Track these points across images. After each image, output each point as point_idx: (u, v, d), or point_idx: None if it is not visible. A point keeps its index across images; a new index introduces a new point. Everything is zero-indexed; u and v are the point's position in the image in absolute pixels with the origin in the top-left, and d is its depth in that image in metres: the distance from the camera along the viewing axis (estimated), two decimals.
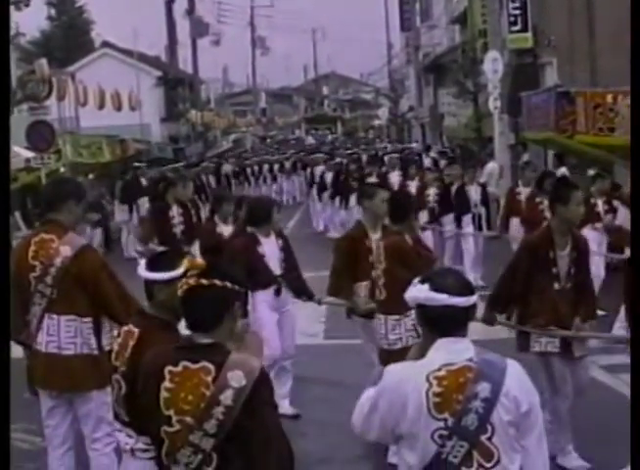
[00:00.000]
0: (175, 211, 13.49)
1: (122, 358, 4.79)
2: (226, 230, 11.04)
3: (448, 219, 16.88)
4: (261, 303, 9.26)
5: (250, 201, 10.34)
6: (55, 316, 6.48)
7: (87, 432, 6.60)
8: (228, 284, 3.98)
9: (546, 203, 13.02)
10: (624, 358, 9.35)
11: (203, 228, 12.19)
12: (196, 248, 12.12)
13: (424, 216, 16.48)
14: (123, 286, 6.54)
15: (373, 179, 20.39)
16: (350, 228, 9.96)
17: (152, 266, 4.84)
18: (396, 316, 7.75)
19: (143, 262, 4.89)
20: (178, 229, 13.40)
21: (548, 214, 11.91)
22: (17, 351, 6.50)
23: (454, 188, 16.81)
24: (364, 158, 30.18)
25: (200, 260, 4.08)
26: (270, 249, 9.34)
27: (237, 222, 10.64)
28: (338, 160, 27.70)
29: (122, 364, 4.77)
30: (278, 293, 9.38)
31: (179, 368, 3.89)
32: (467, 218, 16.49)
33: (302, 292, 9.62)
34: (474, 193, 16.58)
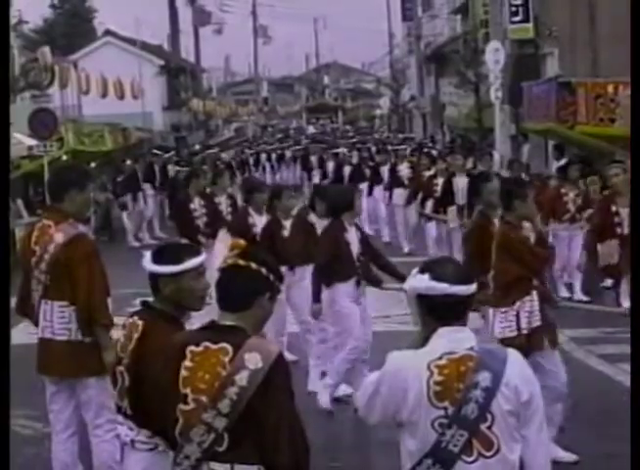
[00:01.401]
0: (197, 204, 13.29)
1: (125, 351, 4.77)
2: (259, 221, 10.76)
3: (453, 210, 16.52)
4: (343, 295, 9.01)
5: (331, 189, 10.20)
6: (49, 302, 6.54)
7: (89, 418, 6.62)
8: (263, 270, 4.05)
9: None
10: (623, 348, 9.46)
11: (234, 218, 11.96)
12: (221, 239, 12.00)
13: (429, 206, 16.55)
14: (103, 283, 6.52)
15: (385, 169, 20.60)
16: (475, 217, 9.68)
17: (157, 259, 4.77)
18: (503, 309, 7.48)
19: (148, 254, 4.84)
20: (201, 221, 13.19)
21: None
22: (17, 337, 6.57)
23: (456, 179, 16.51)
24: (373, 149, 30.00)
25: (242, 241, 4.15)
26: (352, 238, 9.16)
27: (271, 212, 10.44)
28: (341, 149, 27.63)
29: (126, 356, 4.75)
30: (358, 284, 9.17)
31: (200, 348, 3.95)
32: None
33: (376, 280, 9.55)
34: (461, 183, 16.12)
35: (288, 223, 10.29)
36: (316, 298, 9.21)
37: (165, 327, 4.60)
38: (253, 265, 4.03)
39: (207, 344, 3.95)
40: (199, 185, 13.54)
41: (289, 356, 10.12)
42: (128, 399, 4.73)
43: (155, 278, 4.79)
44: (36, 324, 6.70)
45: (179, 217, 13.72)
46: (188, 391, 3.93)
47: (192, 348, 3.96)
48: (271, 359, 3.90)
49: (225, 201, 13.74)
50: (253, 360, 3.88)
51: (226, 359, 3.90)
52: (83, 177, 6.84)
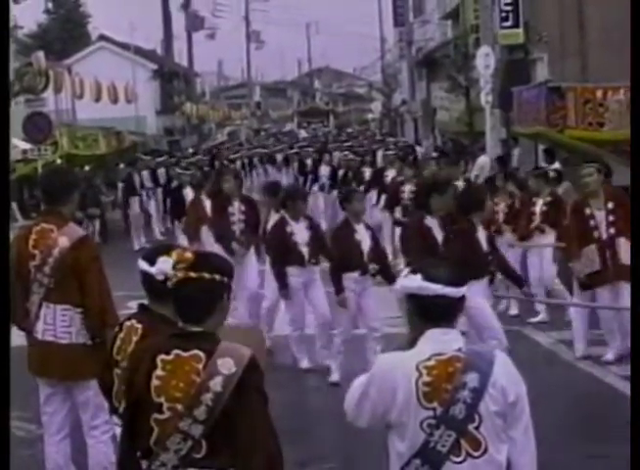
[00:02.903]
0: (237, 207, 12.34)
1: (124, 353, 4.78)
2: (297, 228, 10.66)
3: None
4: (476, 293, 8.70)
5: (464, 188, 10.18)
6: (51, 305, 6.53)
7: (86, 419, 6.65)
8: (217, 276, 4.00)
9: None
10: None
11: (272, 226, 11.22)
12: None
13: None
14: (108, 284, 6.59)
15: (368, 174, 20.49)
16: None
17: (151, 260, 4.79)
18: None
19: (141, 258, 4.86)
20: (238, 227, 12.25)
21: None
22: (14, 339, 6.53)
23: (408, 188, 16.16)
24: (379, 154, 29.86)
25: (188, 254, 4.05)
26: (482, 237, 9.21)
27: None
28: (335, 153, 27.61)
29: (124, 359, 4.74)
30: (492, 282, 9.36)
31: (171, 356, 3.92)
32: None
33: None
34: None
35: (360, 227, 10.16)
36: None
37: (164, 330, 4.50)
38: (206, 275, 3.98)
39: (178, 351, 3.93)
40: (231, 187, 12.48)
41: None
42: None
43: (149, 280, 4.82)
44: (23, 328, 6.68)
45: (216, 221, 12.79)
46: (162, 400, 3.90)
47: (162, 356, 3.94)
48: (244, 363, 3.90)
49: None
50: (227, 365, 3.88)
51: (199, 366, 3.89)
52: (78, 180, 7.00)
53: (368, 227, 10.33)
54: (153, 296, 4.86)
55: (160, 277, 4.62)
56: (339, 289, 9.83)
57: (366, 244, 9.89)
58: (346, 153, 25.08)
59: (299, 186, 13.23)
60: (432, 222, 9.44)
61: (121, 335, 4.89)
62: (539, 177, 13.34)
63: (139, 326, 4.79)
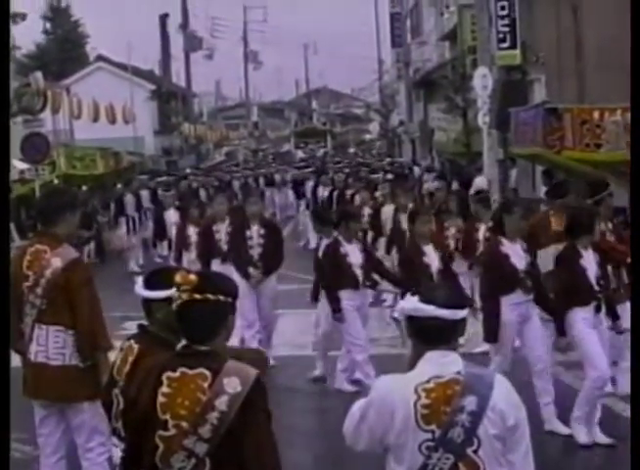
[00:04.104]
0: (255, 231, 11.78)
1: (121, 374, 4.80)
2: (351, 249, 10.52)
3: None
4: (581, 320, 8.41)
5: (572, 210, 9.52)
6: (44, 327, 6.52)
7: (81, 442, 6.63)
8: (221, 297, 4.02)
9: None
10: (612, 371, 9.46)
11: (326, 247, 10.90)
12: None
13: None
14: (100, 307, 6.57)
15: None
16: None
17: (148, 284, 4.80)
18: None
19: (140, 280, 4.87)
20: (256, 251, 11.70)
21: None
22: (14, 359, 6.55)
23: (387, 210, 15.85)
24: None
25: (192, 276, 4.04)
26: (589, 261, 8.59)
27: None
28: (330, 175, 27.55)
29: (121, 379, 4.77)
30: (598, 310, 8.58)
31: (177, 374, 3.94)
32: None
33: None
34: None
35: (428, 249, 9.96)
36: None
37: (160, 352, 4.53)
38: (211, 296, 3.99)
39: (184, 369, 3.95)
40: (256, 210, 12.00)
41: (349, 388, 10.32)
42: (122, 422, 4.61)
43: (147, 303, 4.84)
44: (19, 351, 6.68)
45: (234, 245, 12.15)
46: (168, 417, 3.91)
47: (168, 374, 3.96)
48: (250, 383, 3.92)
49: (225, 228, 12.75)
50: (233, 384, 3.89)
51: (205, 385, 3.90)
52: (75, 201, 6.92)
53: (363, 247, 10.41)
54: (151, 318, 4.87)
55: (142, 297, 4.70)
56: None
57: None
58: (340, 174, 25.12)
59: (353, 207, 12.92)
60: (510, 247, 8.94)
61: (121, 355, 4.91)
62: (481, 202, 12.99)
63: (136, 347, 4.80)
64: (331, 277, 10.52)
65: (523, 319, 8.79)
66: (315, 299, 11.39)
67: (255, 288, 11.56)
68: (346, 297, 10.39)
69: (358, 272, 10.44)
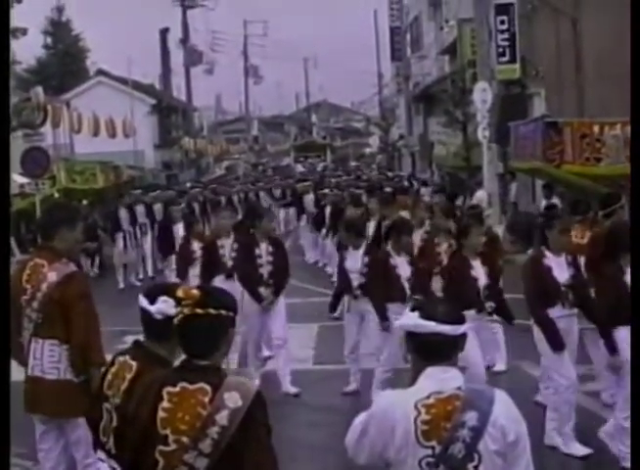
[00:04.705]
0: (264, 249, 11.35)
1: (116, 389, 4.74)
2: (400, 262, 10.33)
3: None
4: (624, 340, 8.05)
5: (610, 227, 9.25)
6: (40, 340, 6.54)
7: (79, 458, 6.61)
8: (222, 312, 4.02)
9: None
10: (580, 369, 9.49)
11: (375, 259, 10.68)
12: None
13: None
14: (97, 321, 6.56)
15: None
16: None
17: (151, 298, 4.77)
18: None
19: (141, 295, 4.83)
20: (266, 270, 11.28)
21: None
22: (13, 374, 6.51)
23: (371, 225, 15.38)
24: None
25: (194, 290, 4.05)
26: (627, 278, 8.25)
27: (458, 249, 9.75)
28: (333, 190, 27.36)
29: (116, 395, 4.72)
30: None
31: (177, 389, 3.94)
32: None
33: None
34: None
35: (476, 263, 9.57)
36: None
37: (159, 370, 4.49)
38: (213, 311, 4.00)
39: (184, 384, 3.95)
40: (266, 227, 11.56)
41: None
42: (114, 439, 4.63)
43: (147, 317, 4.77)
44: (22, 363, 6.68)
45: (241, 262, 11.78)
46: (168, 432, 3.91)
47: (169, 388, 3.95)
48: (250, 397, 3.92)
49: (229, 244, 12.50)
50: (233, 399, 3.89)
51: (205, 399, 3.90)
52: (73, 215, 6.87)
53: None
54: (150, 334, 4.81)
55: (159, 317, 4.64)
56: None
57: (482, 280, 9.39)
58: (335, 190, 25.06)
59: (406, 219, 12.73)
60: (553, 260, 8.84)
61: (113, 370, 4.85)
62: (474, 217, 12.47)
63: (133, 363, 4.75)
64: (379, 289, 10.30)
65: (564, 333, 8.71)
66: (334, 309, 11.40)
67: (268, 310, 11.30)
68: (394, 310, 10.01)
69: (406, 285, 10.27)
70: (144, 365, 4.68)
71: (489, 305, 9.34)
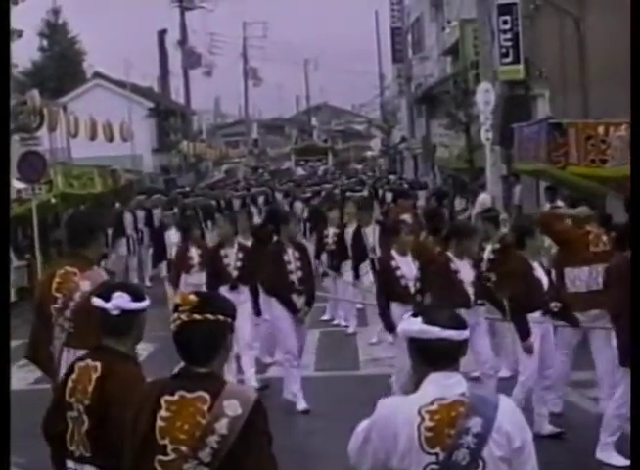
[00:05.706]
0: (291, 255, 10.95)
1: (81, 393, 4.71)
2: (462, 266, 9.99)
3: (347, 267, 15.44)
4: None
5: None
6: (72, 350, 6.54)
7: None
8: (220, 317, 4.00)
9: None
10: (588, 374, 9.46)
11: (436, 263, 10.40)
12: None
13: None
14: None
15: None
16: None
17: (105, 297, 4.76)
18: None
19: (123, 295, 4.77)
20: (295, 276, 10.85)
21: None
22: (14, 383, 6.69)
23: (350, 230, 15.52)
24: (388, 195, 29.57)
25: (191, 296, 4.04)
26: None
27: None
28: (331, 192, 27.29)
29: (84, 398, 4.69)
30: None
31: (175, 397, 3.91)
32: (364, 266, 14.88)
33: None
34: (370, 236, 15.25)
35: (536, 265, 9.48)
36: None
37: (125, 366, 4.68)
38: (210, 317, 3.98)
39: (183, 392, 3.91)
40: (289, 232, 11.20)
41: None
42: (89, 442, 4.64)
43: (130, 317, 4.76)
44: (45, 371, 6.77)
45: (270, 270, 11.24)
46: (167, 441, 3.88)
47: (167, 397, 3.92)
48: (250, 405, 3.89)
49: (235, 253, 11.89)
50: (233, 407, 3.86)
51: (204, 408, 3.87)
52: (103, 222, 6.94)
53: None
54: (108, 332, 4.81)
55: (116, 312, 4.70)
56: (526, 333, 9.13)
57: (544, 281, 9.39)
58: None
59: (466, 222, 12.57)
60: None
61: (74, 376, 4.81)
62: (490, 221, 12.48)
63: (97, 364, 4.74)
64: (441, 295, 9.82)
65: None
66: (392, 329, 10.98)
67: (302, 322, 10.94)
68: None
69: (469, 290, 9.92)
70: (108, 364, 4.71)
71: (554, 305, 9.36)
